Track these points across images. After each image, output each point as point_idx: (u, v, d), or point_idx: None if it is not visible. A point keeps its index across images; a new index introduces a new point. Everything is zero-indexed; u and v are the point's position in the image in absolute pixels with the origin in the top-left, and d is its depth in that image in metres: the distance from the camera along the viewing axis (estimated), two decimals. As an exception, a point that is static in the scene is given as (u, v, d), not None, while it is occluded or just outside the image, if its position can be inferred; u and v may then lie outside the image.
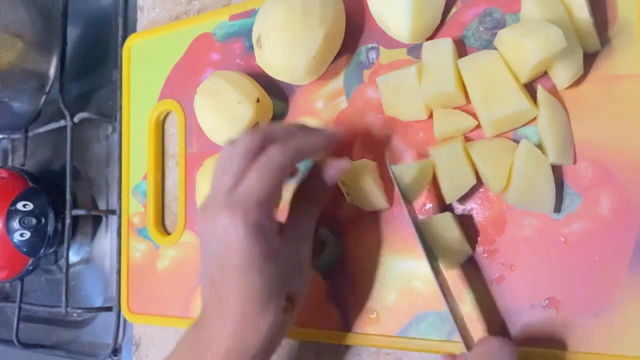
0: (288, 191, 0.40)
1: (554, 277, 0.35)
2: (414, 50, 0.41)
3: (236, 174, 0.34)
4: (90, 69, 0.66)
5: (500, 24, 0.38)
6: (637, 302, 0.33)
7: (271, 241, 0.35)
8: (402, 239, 0.40)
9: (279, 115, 0.47)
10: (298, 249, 0.38)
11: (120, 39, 0.60)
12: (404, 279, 0.40)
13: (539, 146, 0.35)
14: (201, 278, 0.49)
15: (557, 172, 0.35)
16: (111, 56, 0.64)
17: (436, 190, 0.39)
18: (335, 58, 0.44)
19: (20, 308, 0.66)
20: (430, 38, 0.40)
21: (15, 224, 0.61)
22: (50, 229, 0.62)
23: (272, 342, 0.36)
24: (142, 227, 0.55)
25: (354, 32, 0.44)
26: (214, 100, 0.45)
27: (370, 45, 0.43)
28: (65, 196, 0.59)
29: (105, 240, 0.63)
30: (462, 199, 0.38)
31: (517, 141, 0.35)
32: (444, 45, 0.37)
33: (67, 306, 0.59)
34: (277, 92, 0.47)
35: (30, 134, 0.68)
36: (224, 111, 0.44)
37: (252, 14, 0.49)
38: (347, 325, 0.42)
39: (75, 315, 0.65)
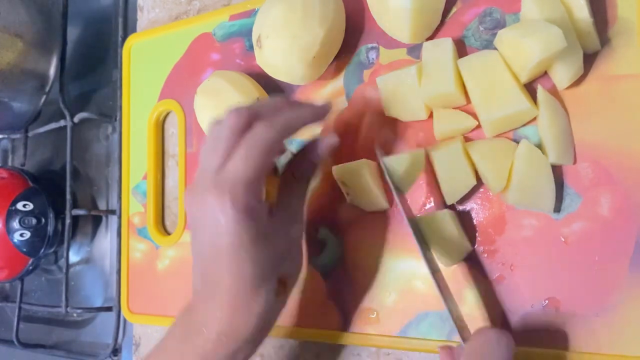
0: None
1: (554, 277, 0.35)
2: (414, 50, 0.41)
3: (222, 153, 0.33)
4: (90, 69, 0.66)
5: (500, 24, 0.38)
6: (637, 302, 0.33)
7: (261, 223, 0.34)
8: (402, 239, 0.40)
9: (279, 115, 0.47)
10: (289, 230, 0.37)
11: (120, 39, 0.60)
12: (404, 279, 0.40)
13: (539, 146, 0.35)
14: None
15: (557, 172, 0.35)
16: (111, 56, 0.64)
17: (436, 190, 0.39)
18: (335, 58, 0.44)
19: (20, 308, 0.66)
20: (430, 38, 0.40)
21: (15, 224, 0.61)
22: (50, 229, 0.62)
23: (263, 326, 0.36)
24: (142, 227, 0.55)
25: (354, 32, 0.44)
26: (214, 100, 0.45)
27: (370, 45, 0.43)
28: (65, 196, 0.59)
29: (105, 240, 0.63)
30: (462, 199, 0.38)
31: (517, 141, 0.35)
32: (444, 45, 0.37)
33: (67, 306, 0.59)
34: (277, 92, 0.47)
35: (30, 134, 0.68)
36: (224, 111, 0.44)
37: (252, 14, 0.49)
38: (347, 325, 0.42)
39: (75, 315, 0.65)
